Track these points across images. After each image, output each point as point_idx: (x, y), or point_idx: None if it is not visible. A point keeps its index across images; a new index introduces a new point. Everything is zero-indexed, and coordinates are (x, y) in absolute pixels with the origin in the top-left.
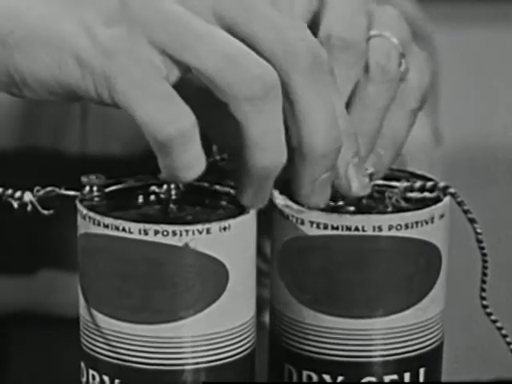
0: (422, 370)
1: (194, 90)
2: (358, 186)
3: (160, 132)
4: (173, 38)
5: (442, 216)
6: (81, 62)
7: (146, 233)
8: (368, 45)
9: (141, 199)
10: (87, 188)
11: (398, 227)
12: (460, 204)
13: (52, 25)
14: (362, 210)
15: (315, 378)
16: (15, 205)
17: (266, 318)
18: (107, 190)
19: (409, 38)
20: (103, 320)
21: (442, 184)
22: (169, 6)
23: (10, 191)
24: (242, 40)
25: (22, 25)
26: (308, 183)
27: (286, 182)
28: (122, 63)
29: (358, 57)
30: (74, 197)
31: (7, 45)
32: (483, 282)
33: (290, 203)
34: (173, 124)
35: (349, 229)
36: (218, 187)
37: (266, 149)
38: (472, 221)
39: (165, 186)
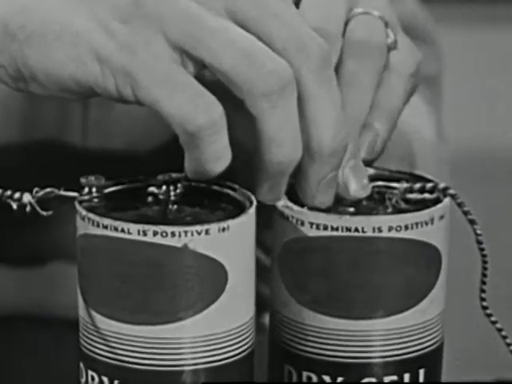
0: (421, 371)
1: (207, 86)
2: (357, 188)
3: (191, 123)
4: (187, 34)
5: (441, 217)
6: (100, 58)
7: (144, 234)
8: (350, 22)
9: (140, 200)
10: (86, 189)
11: (398, 228)
12: (460, 205)
13: (64, 19)
14: (361, 211)
15: (315, 378)
16: (14, 206)
17: (266, 319)
18: (106, 191)
19: (396, 23)
20: (102, 321)
21: (441, 185)
22: (182, 2)
23: (8, 192)
24: (254, 36)
25: (33, 19)
26: (314, 182)
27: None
28: (142, 58)
29: (333, 43)
30: (73, 198)
31: (17, 39)
32: (483, 283)
33: (290, 204)
34: (203, 114)
35: (349, 230)
36: (216, 188)
37: (282, 144)
38: (472, 222)
39: (164, 187)
